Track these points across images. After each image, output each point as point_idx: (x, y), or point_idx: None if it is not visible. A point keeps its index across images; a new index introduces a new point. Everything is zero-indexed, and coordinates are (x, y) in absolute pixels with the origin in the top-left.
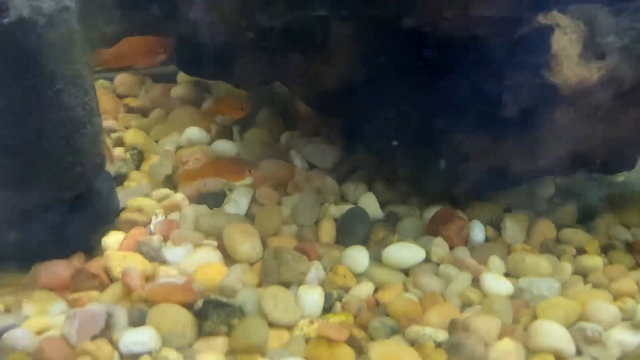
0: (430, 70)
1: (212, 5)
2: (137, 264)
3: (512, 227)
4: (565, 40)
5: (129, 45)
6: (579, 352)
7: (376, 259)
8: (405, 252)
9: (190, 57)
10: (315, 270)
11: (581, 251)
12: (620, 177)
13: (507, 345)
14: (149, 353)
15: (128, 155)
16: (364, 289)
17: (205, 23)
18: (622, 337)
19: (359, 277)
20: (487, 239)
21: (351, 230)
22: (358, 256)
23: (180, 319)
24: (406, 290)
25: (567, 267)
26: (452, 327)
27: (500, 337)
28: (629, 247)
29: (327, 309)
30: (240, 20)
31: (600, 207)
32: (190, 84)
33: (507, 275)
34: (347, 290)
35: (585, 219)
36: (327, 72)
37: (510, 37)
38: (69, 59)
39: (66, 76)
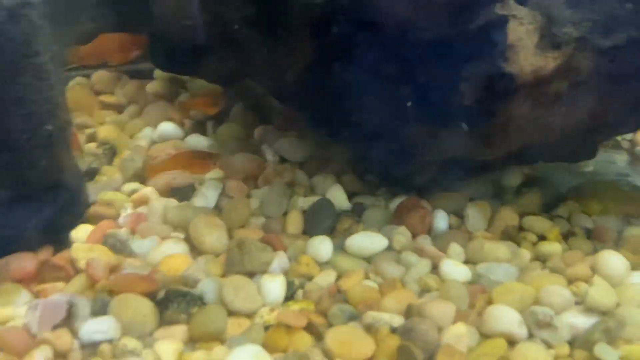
0: (388, 63)
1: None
2: (102, 255)
3: (474, 216)
4: (522, 30)
5: (104, 42)
6: (531, 336)
7: (340, 248)
8: (367, 241)
9: (163, 53)
10: (279, 260)
11: (542, 238)
12: (589, 167)
13: (460, 329)
14: (109, 341)
15: (100, 151)
16: (326, 278)
17: (175, 18)
18: (574, 320)
19: (323, 265)
20: (450, 228)
21: (317, 221)
22: (321, 246)
23: (142, 308)
24: (367, 277)
25: (526, 253)
26: (408, 312)
27: (455, 321)
28: (589, 234)
29: (289, 297)
30: (207, 15)
31: (565, 196)
32: (166, 80)
33: (466, 262)
34: (310, 278)
35: (550, 207)
36: (288, 65)
37: (468, 27)
38: (32, 53)
39: (29, 70)
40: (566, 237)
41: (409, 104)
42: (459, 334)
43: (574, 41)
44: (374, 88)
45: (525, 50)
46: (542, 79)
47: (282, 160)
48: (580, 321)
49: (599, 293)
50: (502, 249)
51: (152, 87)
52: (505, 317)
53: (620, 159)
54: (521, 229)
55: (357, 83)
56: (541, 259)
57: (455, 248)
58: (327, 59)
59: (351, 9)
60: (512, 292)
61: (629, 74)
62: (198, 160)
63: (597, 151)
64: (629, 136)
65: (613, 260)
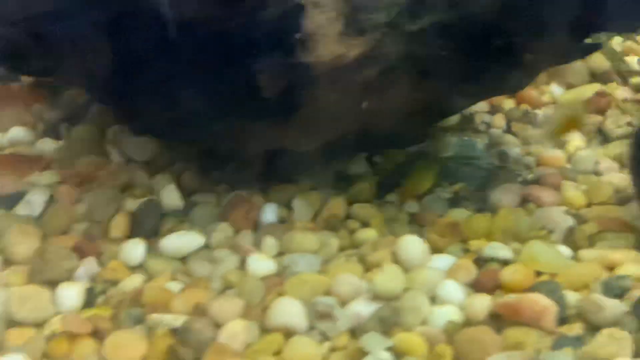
0: (185, 57)
1: None
2: None
3: (301, 207)
4: (323, 18)
5: None
6: (312, 328)
7: (156, 250)
8: (182, 241)
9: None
10: (86, 267)
11: (366, 225)
12: (449, 152)
13: (237, 325)
14: None
15: None
16: (132, 282)
17: None
18: (359, 308)
19: (135, 269)
20: (282, 221)
21: (141, 223)
22: (133, 249)
23: None
24: (174, 278)
25: (335, 242)
26: (194, 311)
27: (242, 318)
28: (413, 219)
29: (90, 304)
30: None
31: (398, 181)
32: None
33: (280, 254)
34: (116, 284)
35: (383, 193)
36: (93, 62)
37: (257, 18)
38: None
39: None
40: (390, 223)
41: (213, 99)
42: (236, 331)
43: (381, 27)
44: (172, 86)
45: (326, 39)
46: (345, 66)
47: (130, 160)
48: (365, 309)
49: (386, 279)
50: (308, 239)
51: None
52: (286, 309)
53: (481, 142)
54: (349, 217)
55: (155, 82)
56: (357, 247)
57: (268, 241)
58: (124, 59)
59: (140, 5)
60: (305, 284)
61: (438, 57)
62: (23, 164)
63: (427, 136)
64: (487, 118)
65: (410, 244)
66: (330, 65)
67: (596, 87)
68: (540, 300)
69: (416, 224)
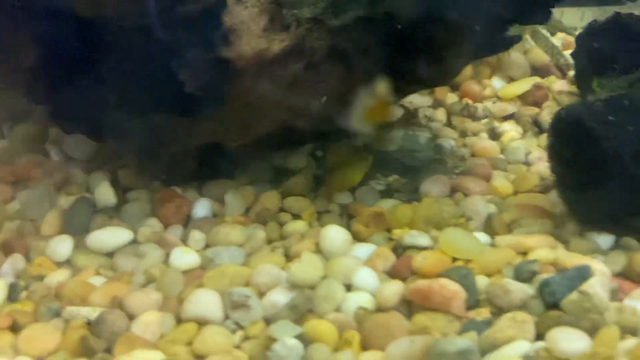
0: (110, 56)
1: None
2: None
3: (233, 201)
4: (246, 14)
5: None
6: (227, 318)
7: (84, 245)
8: (109, 236)
9: None
10: (11, 263)
11: (298, 218)
12: (393, 146)
13: (151, 317)
14: None
15: None
16: (57, 277)
17: None
18: (276, 297)
19: (61, 265)
20: (214, 215)
21: (73, 220)
22: (59, 245)
23: None
24: (98, 273)
25: (261, 234)
26: (111, 304)
27: (160, 310)
28: (344, 210)
29: (13, 299)
30: None
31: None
32: None
33: (207, 247)
34: (41, 279)
35: (319, 186)
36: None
37: (178, 14)
38: None
39: None
40: (322, 214)
41: (136, 96)
42: (149, 322)
43: (306, 22)
44: (94, 84)
45: (249, 34)
46: (268, 61)
47: (70, 159)
48: (281, 298)
49: (302, 269)
50: (234, 232)
51: None
52: (202, 301)
53: (424, 136)
54: (283, 210)
55: (77, 80)
56: (285, 239)
57: (195, 235)
58: (49, 60)
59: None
60: (224, 275)
61: (363, 52)
62: None
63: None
64: (430, 112)
65: (332, 234)
66: (254, 60)
67: (535, 80)
68: (449, 286)
69: (346, 215)
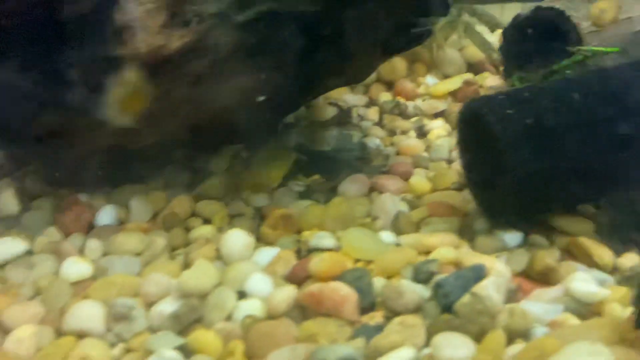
0: None
1: None
2: None
3: (139, 207)
4: (141, 10)
5: None
6: (109, 330)
7: None
8: (1, 247)
9: None
10: None
11: (208, 222)
12: (326, 146)
13: (26, 331)
14: None
15: None
16: None
17: None
18: (163, 308)
19: None
20: (121, 222)
21: None
22: None
23: None
24: None
25: (161, 242)
26: None
27: (42, 323)
28: (258, 213)
29: None
30: None
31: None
32: None
33: (105, 255)
34: None
35: (237, 188)
36: None
37: (70, 10)
38: None
39: None
40: (235, 218)
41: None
42: (24, 336)
43: (210, 18)
44: None
45: (145, 31)
46: (166, 58)
47: None
48: (168, 308)
49: (194, 277)
50: (133, 240)
51: None
52: (84, 313)
53: (357, 135)
54: (195, 214)
55: None
56: (189, 245)
57: (92, 244)
58: None
59: None
60: (112, 286)
61: (269, 48)
62: None
63: (277, 130)
64: (362, 112)
65: (232, 239)
66: (150, 58)
67: (467, 76)
68: (341, 289)
69: (260, 218)
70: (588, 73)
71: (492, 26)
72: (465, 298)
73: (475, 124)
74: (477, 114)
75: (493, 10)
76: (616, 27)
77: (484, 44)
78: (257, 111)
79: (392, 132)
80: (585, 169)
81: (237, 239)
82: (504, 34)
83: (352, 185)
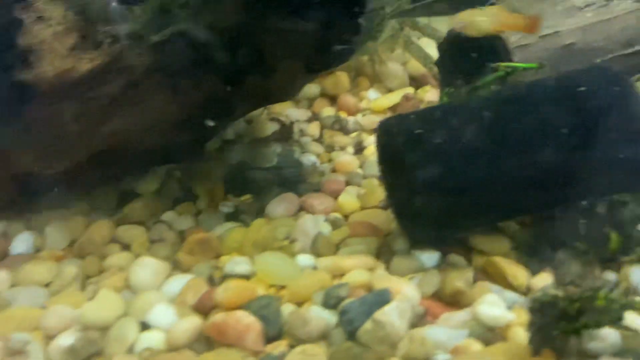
0: None
1: None
2: None
3: (56, 234)
4: (49, 32)
5: None
6: None
7: None
8: None
9: None
10: None
11: (127, 248)
12: (272, 162)
13: None
14: None
15: None
16: None
17: None
18: (63, 342)
19: None
20: (37, 250)
21: None
22: None
23: None
24: None
25: (71, 271)
26: None
27: None
28: (181, 237)
29: None
30: None
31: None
32: None
33: (13, 286)
34: None
35: (162, 212)
36: None
37: None
38: None
39: None
40: (155, 243)
41: None
42: None
43: (123, 38)
44: None
45: (53, 54)
46: (77, 81)
47: None
48: (70, 342)
49: (95, 308)
50: (41, 269)
51: None
52: None
53: (298, 152)
54: (114, 240)
55: None
56: (102, 273)
57: (0, 275)
58: None
59: None
60: (11, 319)
61: (186, 68)
62: None
63: (203, 149)
64: (303, 127)
65: (143, 267)
66: (57, 82)
67: (407, 91)
68: (243, 319)
69: (182, 242)
70: (503, 90)
71: (437, 39)
72: (368, 324)
73: (389, 144)
74: (389, 134)
75: (442, 22)
76: (544, 41)
77: (424, 58)
78: (176, 131)
79: (330, 148)
80: (495, 187)
81: (147, 267)
82: (439, 48)
83: (279, 206)
